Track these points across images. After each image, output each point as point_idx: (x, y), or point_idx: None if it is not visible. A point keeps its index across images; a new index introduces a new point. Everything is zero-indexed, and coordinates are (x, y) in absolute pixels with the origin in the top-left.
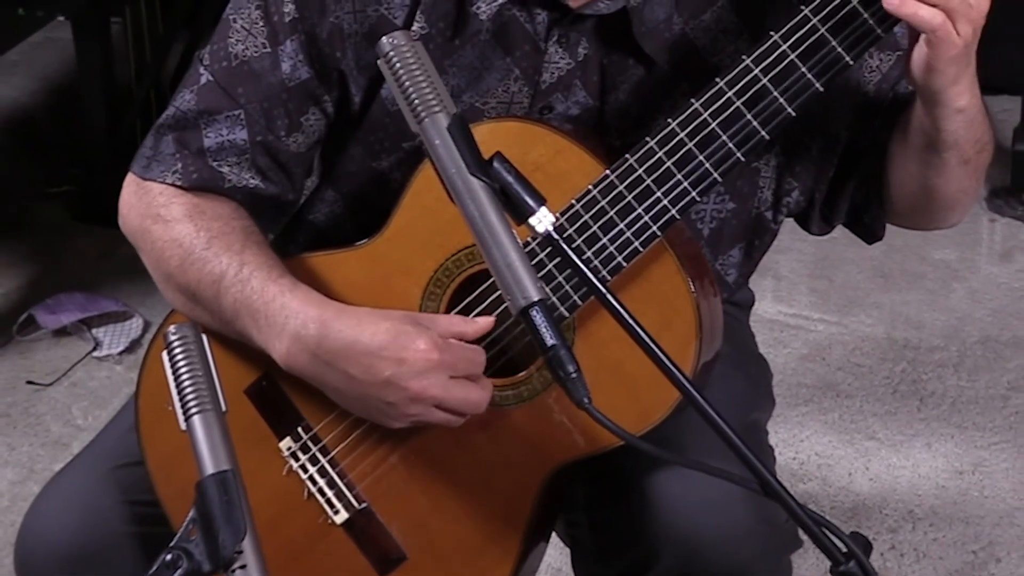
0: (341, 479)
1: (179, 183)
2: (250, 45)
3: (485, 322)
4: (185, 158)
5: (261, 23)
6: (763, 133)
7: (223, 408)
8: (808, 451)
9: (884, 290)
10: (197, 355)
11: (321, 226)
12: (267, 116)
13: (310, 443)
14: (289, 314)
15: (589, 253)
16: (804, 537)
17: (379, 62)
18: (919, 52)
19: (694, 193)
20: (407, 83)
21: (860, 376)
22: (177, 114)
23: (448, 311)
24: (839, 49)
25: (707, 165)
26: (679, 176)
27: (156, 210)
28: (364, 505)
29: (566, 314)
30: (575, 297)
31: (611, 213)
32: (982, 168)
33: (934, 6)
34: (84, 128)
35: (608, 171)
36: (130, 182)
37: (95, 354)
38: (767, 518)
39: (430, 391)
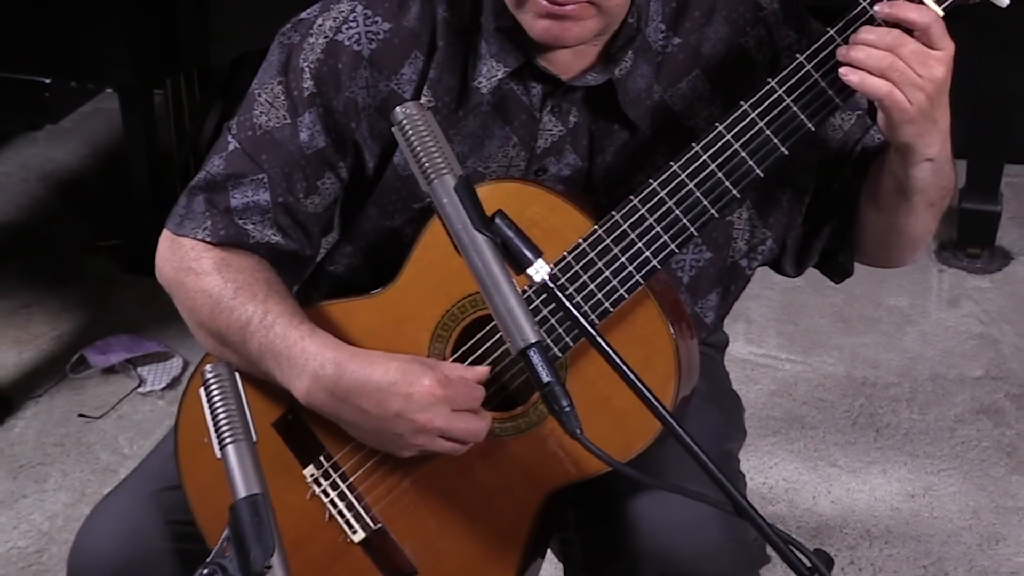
0: (359, 502)
1: (208, 239)
2: (272, 117)
3: (483, 370)
4: (214, 216)
5: (282, 97)
6: (734, 192)
7: (254, 438)
8: (776, 477)
9: (844, 333)
10: (231, 391)
11: (341, 276)
12: (287, 180)
13: (331, 471)
14: (308, 357)
15: (580, 299)
16: (772, 553)
17: (393, 129)
18: (879, 114)
19: (673, 246)
20: (418, 148)
21: (823, 410)
22: (207, 177)
23: (453, 352)
24: (802, 116)
25: (684, 220)
26: (659, 230)
27: (188, 263)
28: (379, 526)
29: (559, 354)
30: (567, 339)
31: (599, 264)
32: (943, 211)
33: (882, 77)
34: (130, 188)
35: (597, 227)
36: (165, 237)
37: (140, 390)
38: (738, 536)
39: (434, 422)
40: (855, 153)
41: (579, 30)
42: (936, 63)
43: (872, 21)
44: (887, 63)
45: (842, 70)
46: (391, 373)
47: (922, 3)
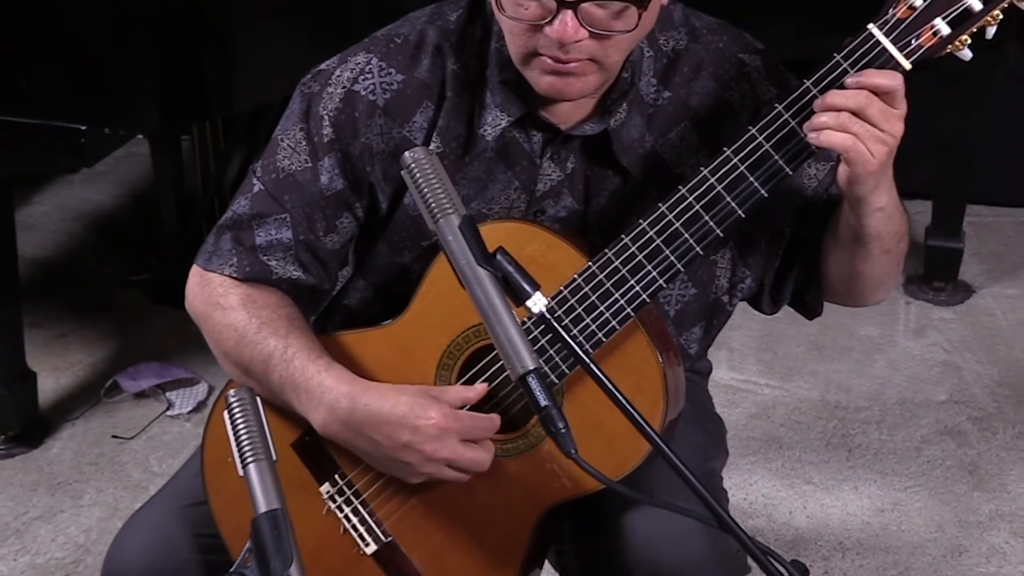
0: (371, 517)
1: (235, 275)
2: (295, 160)
3: (482, 387)
4: (240, 253)
5: (304, 143)
6: (718, 231)
7: (274, 458)
8: (756, 493)
9: (819, 360)
10: (252, 414)
11: (354, 309)
12: (308, 219)
13: (345, 488)
14: (325, 390)
15: (575, 330)
16: (752, 564)
17: (402, 172)
18: (842, 168)
19: (661, 281)
20: (425, 190)
21: (799, 431)
22: (234, 216)
23: (458, 380)
24: (780, 162)
25: (672, 258)
26: (649, 267)
27: (216, 298)
28: (390, 539)
29: (556, 381)
30: (563, 367)
31: (593, 298)
32: (901, 255)
33: (848, 133)
34: (160, 227)
35: (591, 263)
36: (194, 273)
37: (168, 413)
38: (721, 548)
39: (441, 453)
40: (823, 201)
41: (581, 85)
42: (897, 120)
43: (845, 74)
44: (853, 121)
45: (810, 134)
46: (400, 407)
47: (893, 61)
